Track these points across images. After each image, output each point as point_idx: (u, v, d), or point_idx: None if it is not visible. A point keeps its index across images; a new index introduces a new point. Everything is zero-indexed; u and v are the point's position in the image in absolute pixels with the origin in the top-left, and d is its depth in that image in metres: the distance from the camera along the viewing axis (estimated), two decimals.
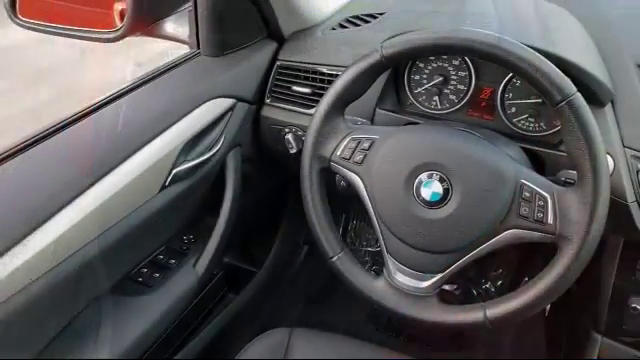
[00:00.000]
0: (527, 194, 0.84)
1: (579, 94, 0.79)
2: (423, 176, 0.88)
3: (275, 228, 1.72)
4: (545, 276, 0.83)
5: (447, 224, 0.87)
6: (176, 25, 1.24)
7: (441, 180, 0.87)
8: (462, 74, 1.14)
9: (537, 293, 0.83)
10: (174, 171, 1.05)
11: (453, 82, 1.15)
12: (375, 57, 0.90)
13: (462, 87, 1.14)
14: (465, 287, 1.99)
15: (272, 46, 1.29)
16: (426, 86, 1.16)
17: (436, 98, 1.17)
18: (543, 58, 0.81)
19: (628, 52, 1.04)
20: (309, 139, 0.96)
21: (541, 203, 0.83)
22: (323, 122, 0.95)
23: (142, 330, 1.04)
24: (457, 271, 0.90)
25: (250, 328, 1.63)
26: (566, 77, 0.80)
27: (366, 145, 0.94)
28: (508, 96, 1.11)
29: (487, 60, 0.84)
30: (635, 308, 1.09)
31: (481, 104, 1.14)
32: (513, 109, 1.11)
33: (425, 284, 0.92)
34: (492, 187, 0.84)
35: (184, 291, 1.14)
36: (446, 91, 1.16)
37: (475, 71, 1.12)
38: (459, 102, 1.15)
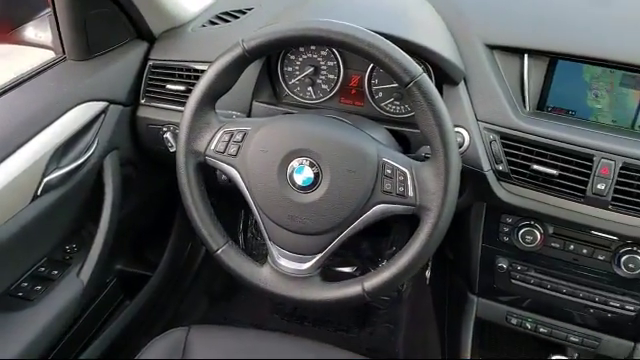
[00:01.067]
0: (389, 171, 0.89)
1: (425, 75, 0.85)
2: (295, 163, 0.92)
3: (168, 229, 1.71)
4: (411, 245, 0.89)
5: (320, 206, 0.91)
6: (38, 30, 1.20)
7: (311, 165, 0.91)
8: (331, 64, 1.19)
9: (406, 261, 0.89)
10: (45, 180, 1.02)
11: (324, 72, 1.19)
12: (237, 51, 0.92)
13: (332, 76, 1.19)
14: (364, 267, 2.07)
15: (142, 46, 1.28)
16: (299, 77, 1.20)
17: (310, 88, 1.21)
18: (391, 43, 0.86)
19: (476, 33, 1.12)
20: (181, 135, 0.96)
21: (401, 178, 0.89)
22: (194, 117, 0.96)
23: (25, 345, 1.01)
24: (335, 249, 0.94)
25: (152, 332, 1.61)
26: (412, 60, 0.86)
27: (239, 137, 0.96)
28: (374, 82, 1.17)
29: (341, 49, 0.89)
30: (501, 267, 1.19)
31: (351, 91, 1.20)
32: (380, 94, 1.18)
33: (306, 265, 0.95)
34: (357, 168, 0.89)
35: (69, 301, 1.11)
36: (318, 81, 1.20)
37: (343, 60, 1.17)
38: (331, 91, 1.20)
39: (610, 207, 1.00)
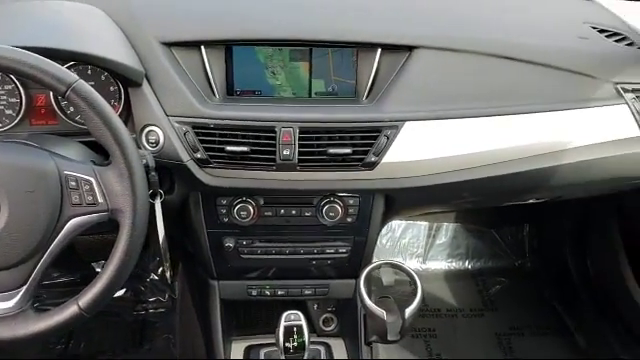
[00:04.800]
0: (73, 183, 0.88)
1: (82, 81, 0.86)
2: None
3: None
4: (116, 251, 0.90)
5: (6, 237, 0.86)
6: None
7: None
8: (9, 87, 1.12)
9: (115, 267, 0.89)
10: None
11: (3, 97, 1.12)
12: None
13: (15, 100, 1.13)
14: (133, 287, 2.03)
15: None
16: None
17: None
18: (37, 56, 0.84)
19: (151, 33, 1.15)
20: None
21: (87, 187, 0.89)
22: None
23: None
24: (42, 276, 0.91)
25: None
26: (64, 68, 0.86)
27: None
28: (62, 98, 1.14)
29: None
30: (229, 247, 1.26)
31: (41, 111, 1.15)
32: (72, 109, 1.15)
33: (13, 302, 0.90)
34: (36, 187, 0.86)
35: None
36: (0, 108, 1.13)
37: (20, 82, 1.12)
38: (18, 115, 1.13)
39: (298, 168, 1.12)
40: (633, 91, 1.24)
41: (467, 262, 2.27)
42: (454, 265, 2.27)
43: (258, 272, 1.33)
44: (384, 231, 2.25)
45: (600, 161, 1.24)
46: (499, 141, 1.17)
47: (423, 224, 2.24)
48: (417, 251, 2.26)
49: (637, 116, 1.24)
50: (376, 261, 1.23)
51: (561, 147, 1.21)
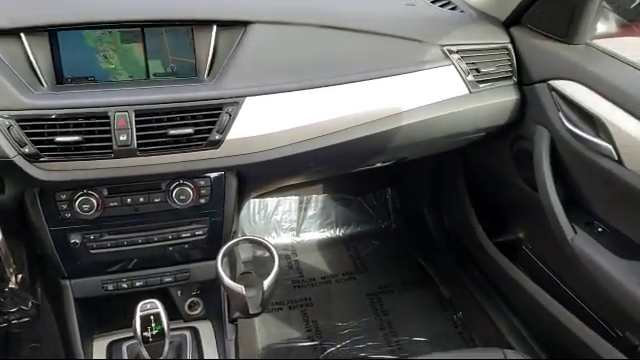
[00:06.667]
0: None
1: None
2: None
3: None
4: None
5: None
6: None
7: None
8: None
9: None
10: None
11: None
12: None
13: None
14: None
15: None
16: None
17: None
18: None
19: None
20: None
21: None
22: None
23: None
24: None
25: None
26: None
27: None
28: None
29: None
30: (75, 243, 1.19)
31: None
32: None
33: None
34: None
35: None
36: None
37: None
38: None
39: (139, 153, 1.08)
40: (458, 52, 1.33)
41: (338, 230, 2.34)
42: (326, 234, 2.34)
43: (112, 266, 1.27)
44: (257, 209, 2.26)
45: (435, 120, 1.32)
46: (338, 110, 1.21)
47: (294, 198, 2.27)
48: (290, 225, 2.30)
49: (463, 75, 1.34)
50: (233, 239, 1.23)
51: (398, 110, 1.27)
